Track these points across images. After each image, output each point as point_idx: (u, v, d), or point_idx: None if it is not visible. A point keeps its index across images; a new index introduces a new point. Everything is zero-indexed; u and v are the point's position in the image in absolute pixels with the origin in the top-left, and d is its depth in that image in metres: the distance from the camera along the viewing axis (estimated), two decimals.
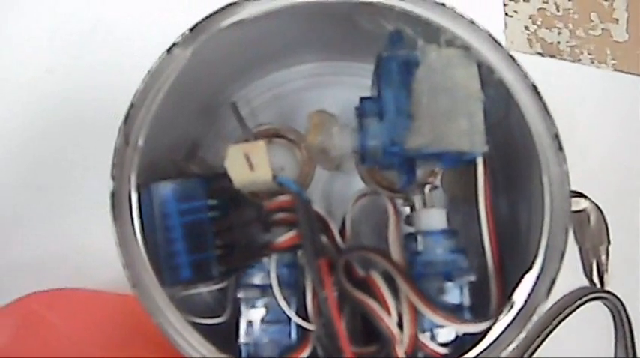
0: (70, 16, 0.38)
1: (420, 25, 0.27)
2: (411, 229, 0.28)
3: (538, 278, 0.25)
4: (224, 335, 0.27)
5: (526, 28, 0.40)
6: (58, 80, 0.37)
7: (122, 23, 0.38)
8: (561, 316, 0.34)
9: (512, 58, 0.27)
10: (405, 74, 0.26)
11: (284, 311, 0.26)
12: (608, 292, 0.35)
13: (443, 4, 0.27)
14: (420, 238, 0.27)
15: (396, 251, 0.27)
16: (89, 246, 0.33)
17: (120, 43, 0.37)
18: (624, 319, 0.34)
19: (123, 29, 0.37)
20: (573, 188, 0.34)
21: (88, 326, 0.30)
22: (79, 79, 0.37)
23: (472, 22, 0.27)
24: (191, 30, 0.27)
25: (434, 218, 0.28)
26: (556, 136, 0.26)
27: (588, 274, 0.35)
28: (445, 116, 0.26)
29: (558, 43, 0.40)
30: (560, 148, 0.26)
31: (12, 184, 0.36)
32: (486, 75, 0.27)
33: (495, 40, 0.27)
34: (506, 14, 0.40)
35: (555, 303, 0.34)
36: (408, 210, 0.30)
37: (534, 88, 0.26)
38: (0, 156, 0.36)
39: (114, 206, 0.25)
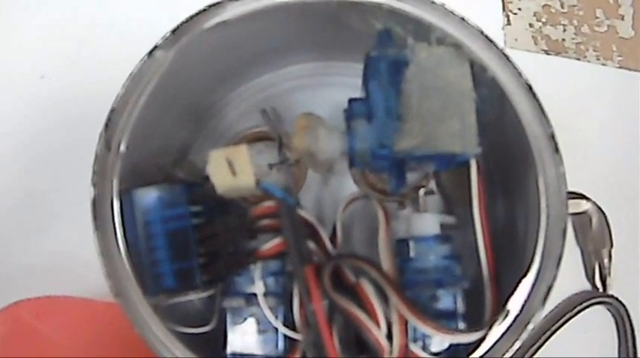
0: (64, 21, 0.38)
1: (409, 23, 0.26)
2: (403, 234, 0.27)
3: (534, 285, 0.25)
4: (211, 345, 0.27)
5: (530, 25, 0.39)
6: (52, 86, 0.37)
7: (116, 28, 0.37)
8: (562, 321, 0.33)
9: (506, 56, 0.26)
10: (394, 74, 0.25)
11: (270, 322, 0.25)
12: (611, 296, 0.34)
13: (432, 1, 0.26)
14: (412, 244, 0.26)
15: (385, 259, 0.26)
16: (79, 254, 0.32)
17: (114, 48, 0.37)
18: (627, 324, 0.33)
19: (117, 34, 0.37)
20: (576, 189, 0.33)
21: (77, 335, 0.29)
22: (73, 84, 0.37)
23: (463, 19, 0.26)
24: (173, 32, 0.26)
25: (427, 223, 0.27)
26: (552, 137, 0.25)
27: (591, 278, 0.34)
28: (436, 117, 0.25)
29: (563, 40, 0.39)
30: (557, 150, 0.25)
31: (2, 190, 0.35)
32: (479, 73, 0.26)
33: (488, 38, 0.26)
34: (510, 11, 0.39)
35: (556, 307, 0.33)
36: (403, 213, 0.29)
37: (529, 87, 0.25)
38: None
39: (95, 214, 0.25)
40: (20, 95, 0.37)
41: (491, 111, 0.26)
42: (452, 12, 0.26)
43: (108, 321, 0.29)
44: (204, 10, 0.26)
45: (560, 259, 0.25)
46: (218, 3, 0.26)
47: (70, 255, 0.34)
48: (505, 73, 0.26)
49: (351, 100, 0.27)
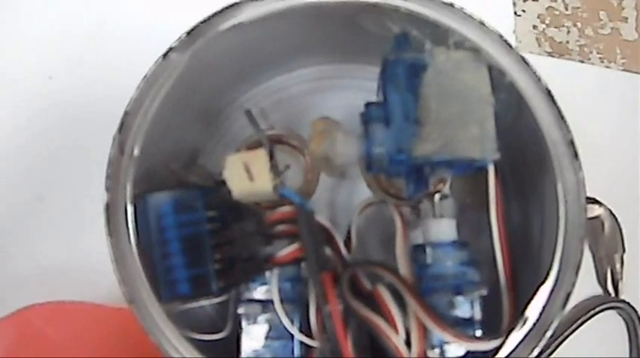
0: (71, 21, 0.37)
1: (427, 26, 0.26)
2: (419, 240, 0.27)
3: (552, 291, 0.24)
4: (225, 351, 0.26)
5: (534, 27, 0.39)
6: (60, 87, 0.36)
7: (123, 29, 0.37)
8: (574, 326, 0.33)
9: (525, 61, 0.25)
10: (412, 78, 0.25)
11: (286, 329, 0.25)
12: (623, 301, 0.33)
13: (451, 4, 0.26)
14: (429, 250, 0.26)
15: (403, 265, 0.26)
16: (89, 258, 0.32)
17: (121, 48, 0.36)
18: (639, 329, 0.33)
19: (124, 34, 0.37)
20: (587, 193, 0.33)
21: (87, 341, 0.29)
22: (81, 85, 0.36)
23: (482, 24, 0.26)
24: (188, 33, 0.25)
25: (444, 229, 0.26)
26: (571, 143, 0.25)
27: (602, 283, 0.34)
28: (454, 122, 0.25)
29: (567, 42, 0.39)
30: (576, 155, 0.25)
31: (12, 194, 0.35)
32: (497, 78, 0.25)
33: (507, 42, 0.26)
34: (514, 13, 0.39)
35: (568, 312, 0.33)
36: (418, 218, 0.29)
37: (548, 92, 0.25)
38: (0, 166, 0.35)
39: (108, 219, 0.24)
40: (28, 96, 0.36)
41: (509, 115, 0.26)
42: (471, 16, 0.26)
43: (118, 327, 0.29)
44: (220, 11, 0.25)
45: (579, 266, 0.24)
46: (234, 4, 0.26)
47: (79, 260, 0.33)
48: (524, 77, 0.25)
49: (368, 104, 0.26)
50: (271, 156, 0.24)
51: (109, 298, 0.30)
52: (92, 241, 0.32)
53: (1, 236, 0.34)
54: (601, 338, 0.34)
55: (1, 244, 0.34)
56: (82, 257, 0.33)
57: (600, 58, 0.39)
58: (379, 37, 0.26)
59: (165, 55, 0.25)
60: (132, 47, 0.36)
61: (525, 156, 0.28)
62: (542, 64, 0.37)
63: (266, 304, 0.25)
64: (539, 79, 0.25)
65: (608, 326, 0.34)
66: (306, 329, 0.26)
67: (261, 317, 0.26)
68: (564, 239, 0.25)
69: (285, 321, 0.25)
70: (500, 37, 0.26)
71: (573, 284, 0.24)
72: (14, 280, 0.33)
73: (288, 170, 0.27)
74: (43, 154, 0.35)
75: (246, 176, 0.24)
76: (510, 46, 0.26)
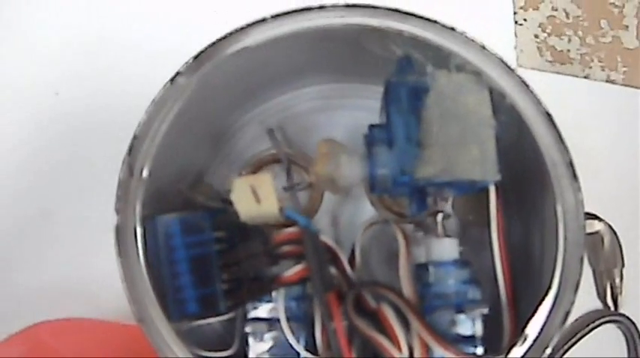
0: (78, 38, 0.37)
1: (429, 49, 0.26)
2: (422, 259, 0.28)
3: (551, 310, 0.25)
4: None
5: (536, 36, 0.40)
6: (66, 103, 0.36)
7: (129, 45, 0.37)
8: (574, 339, 0.33)
9: (526, 84, 0.26)
10: (414, 100, 0.26)
11: (292, 346, 0.25)
12: (622, 315, 0.34)
13: (453, 29, 0.26)
14: (431, 269, 0.27)
15: (406, 284, 0.26)
16: (98, 274, 0.32)
17: (128, 65, 0.37)
18: (638, 342, 0.34)
19: (130, 51, 0.37)
20: (586, 209, 0.34)
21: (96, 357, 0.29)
22: (87, 101, 0.36)
23: (483, 47, 0.26)
24: (195, 58, 0.26)
25: (446, 248, 0.27)
26: (570, 164, 0.25)
27: (602, 297, 0.35)
28: (456, 144, 0.25)
29: (568, 50, 0.39)
30: (575, 177, 0.25)
31: (16, 209, 0.35)
32: (498, 100, 0.26)
33: (507, 65, 0.26)
34: (515, 22, 0.40)
35: (568, 326, 0.34)
36: (421, 238, 0.29)
37: (548, 115, 0.26)
38: (5, 180, 0.36)
39: (118, 240, 0.25)
40: (34, 112, 0.36)
41: (510, 137, 0.26)
42: (472, 40, 0.26)
43: (127, 344, 0.29)
44: (227, 36, 0.26)
45: (577, 284, 0.25)
46: (240, 29, 0.26)
47: (86, 275, 0.34)
48: (524, 100, 0.26)
49: (371, 126, 0.27)
50: (288, 174, 0.24)
51: (117, 313, 0.31)
52: (98, 256, 0.33)
53: (7, 251, 0.35)
54: (600, 351, 0.34)
55: (6, 259, 0.35)
56: (89, 272, 0.34)
57: (601, 66, 0.39)
58: (383, 58, 0.27)
59: (172, 80, 0.26)
60: (138, 63, 0.37)
61: (526, 174, 0.28)
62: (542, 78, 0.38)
63: (272, 322, 0.26)
64: (539, 102, 0.26)
65: (607, 340, 0.34)
66: (311, 347, 0.26)
67: (268, 335, 0.26)
68: (563, 258, 0.25)
69: (292, 340, 0.25)
70: (501, 60, 0.26)
71: (572, 303, 0.25)
72: (22, 296, 0.34)
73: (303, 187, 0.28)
74: (49, 169, 0.36)
75: (253, 198, 0.24)
76: (511, 69, 0.26)
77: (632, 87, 0.39)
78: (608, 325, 0.34)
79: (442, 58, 0.26)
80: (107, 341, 0.30)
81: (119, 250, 0.25)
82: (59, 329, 0.30)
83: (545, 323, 0.25)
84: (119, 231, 0.25)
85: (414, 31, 0.26)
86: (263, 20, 0.26)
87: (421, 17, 0.26)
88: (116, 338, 0.30)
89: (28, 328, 0.30)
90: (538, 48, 0.40)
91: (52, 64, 0.37)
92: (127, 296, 0.25)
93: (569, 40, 0.40)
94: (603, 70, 0.39)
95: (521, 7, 0.40)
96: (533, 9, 0.40)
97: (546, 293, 0.25)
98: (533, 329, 0.25)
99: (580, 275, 0.25)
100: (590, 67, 0.39)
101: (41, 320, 0.31)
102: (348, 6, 0.26)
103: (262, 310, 0.26)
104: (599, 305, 0.35)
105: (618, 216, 0.35)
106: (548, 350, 0.24)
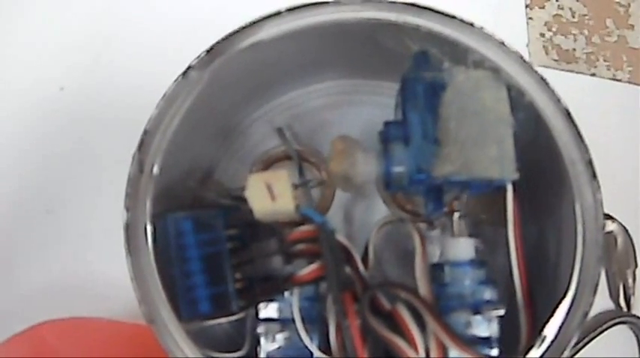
0: (83, 33, 0.37)
1: (446, 45, 0.26)
2: (437, 259, 0.27)
3: (569, 311, 0.24)
4: None
5: (542, 34, 0.39)
6: (71, 98, 0.36)
7: (135, 41, 0.37)
8: (586, 340, 0.33)
9: (545, 81, 0.25)
10: (431, 97, 0.25)
11: (306, 346, 0.25)
12: (634, 316, 0.34)
13: (471, 24, 0.26)
14: (447, 269, 0.26)
15: (423, 284, 0.26)
16: (104, 273, 0.32)
17: (133, 59, 0.36)
18: None
19: (136, 46, 0.37)
20: None
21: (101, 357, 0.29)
22: (92, 96, 0.36)
23: (502, 43, 0.26)
24: (208, 52, 0.25)
25: (462, 248, 0.26)
26: (590, 163, 0.25)
27: (615, 297, 0.34)
28: (473, 142, 0.25)
29: (574, 49, 0.39)
30: (594, 176, 0.25)
31: (22, 206, 0.35)
32: (516, 98, 0.25)
33: (526, 62, 0.26)
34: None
35: None
36: (436, 237, 0.29)
37: (567, 113, 0.25)
38: (10, 176, 0.35)
39: (128, 238, 0.24)
40: (39, 107, 0.36)
41: (528, 135, 0.26)
42: (491, 35, 0.26)
43: (134, 343, 0.29)
44: (240, 29, 0.25)
45: (596, 285, 0.24)
46: (254, 23, 0.25)
47: (92, 274, 0.33)
48: (543, 97, 0.25)
49: (387, 123, 0.26)
50: (300, 171, 0.24)
51: (124, 312, 0.30)
52: (103, 254, 0.32)
53: (11, 249, 0.34)
54: (612, 352, 0.34)
55: (11, 257, 0.34)
56: (94, 270, 0.33)
57: (607, 65, 0.39)
58: (398, 54, 0.26)
59: (184, 74, 0.25)
60: (144, 59, 0.36)
61: (543, 174, 0.28)
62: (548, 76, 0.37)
63: (285, 322, 0.25)
64: (558, 100, 0.25)
65: (619, 341, 0.34)
66: (324, 348, 0.26)
67: (279, 336, 0.26)
68: (582, 258, 0.25)
69: (306, 340, 0.25)
70: (520, 57, 0.26)
71: (591, 304, 0.24)
72: (26, 295, 0.33)
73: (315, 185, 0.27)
74: (54, 166, 0.35)
75: (268, 195, 0.24)
76: (530, 66, 0.26)
77: (637, 85, 0.39)
78: (620, 326, 0.34)
79: (459, 54, 0.26)
80: (113, 341, 0.30)
81: (129, 249, 0.24)
82: (63, 328, 0.29)
83: (563, 324, 0.24)
84: (129, 229, 0.24)
85: (431, 26, 0.26)
86: (278, 14, 0.25)
87: (439, 12, 0.26)
88: (123, 337, 0.30)
89: (30, 328, 0.29)
90: (544, 46, 0.39)
91: (57, 59, 0.37)
92: (136, 296, 0.24)
93: (575, 39, 0.39)
94: (609, 69, 0.39)
95: (527, 6, 0.40)
96: (539, 7, 0.40)
97: (565, 294, 0.24)
98: (551, 330, 0.24)
99: (599, 275, 0.25)
100: (596, 66, 0.39)
101: (44, 319, 0.30)
102: (364, 0, 0.26)
103: (273, 310, 0.26)
104: (611, 305, 0.35)
105: (629, 215, 0.35)
106: (567, 352, 0.24)
